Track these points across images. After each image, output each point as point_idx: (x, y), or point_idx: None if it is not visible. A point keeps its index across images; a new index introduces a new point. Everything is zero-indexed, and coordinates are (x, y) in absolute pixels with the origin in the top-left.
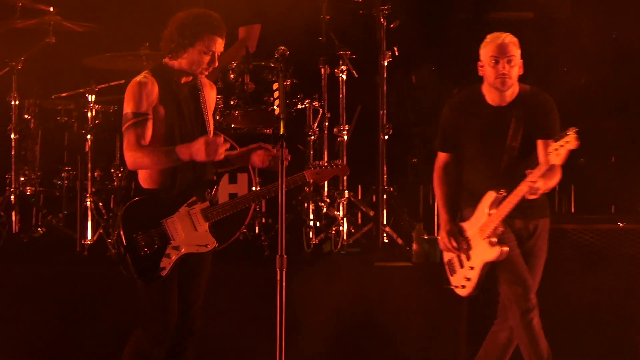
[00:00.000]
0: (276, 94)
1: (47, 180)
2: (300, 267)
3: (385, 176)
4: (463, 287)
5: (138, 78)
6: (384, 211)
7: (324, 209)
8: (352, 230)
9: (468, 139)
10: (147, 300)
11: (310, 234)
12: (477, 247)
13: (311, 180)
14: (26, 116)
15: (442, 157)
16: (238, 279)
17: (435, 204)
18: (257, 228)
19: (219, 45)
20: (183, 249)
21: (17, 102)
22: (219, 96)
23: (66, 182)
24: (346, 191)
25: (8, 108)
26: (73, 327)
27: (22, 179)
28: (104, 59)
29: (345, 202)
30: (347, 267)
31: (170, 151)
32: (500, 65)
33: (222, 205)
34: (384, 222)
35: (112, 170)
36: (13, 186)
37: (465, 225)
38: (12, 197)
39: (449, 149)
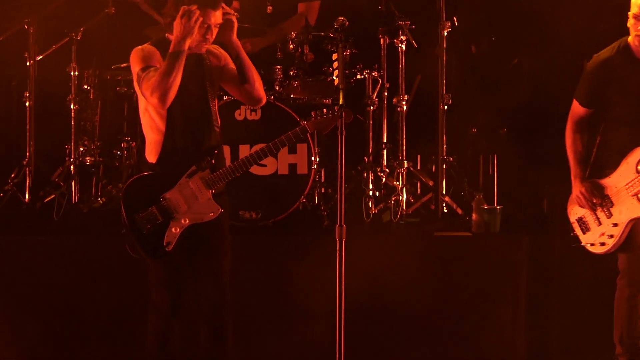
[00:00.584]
0: (335, 64)
1: (107, 151)
2: (360, 237)
3: (444, 146)
4: (602, 244)
5: (139, 47)
6: (444, 181)
7: (383, 179)
8: (412, 200)
9: (620, 96)
10: (154, 275)
11: (370, 203)
12: (622, 203)
13: (311, 130)
14: (86, 87)
15: (580, 111)
16: (298, 248)
17: (572, 158)
18: (316, 198)
19: (213, 17)
20: (186, 221)
21: (76, 73)
22: (278, 67)
23: (125, 152)
24: (405, 161)
25: (67, 79)
26: (134, 295)
27: (81, 149)
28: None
29: (404, 172)
30: (406, 237)
31: (174, 54)
32: None
33: (221, 171)
34: (444, 192)
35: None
36: (73, 156)
37: (604, 182)
38: (72, 167)
39: (593, 105)
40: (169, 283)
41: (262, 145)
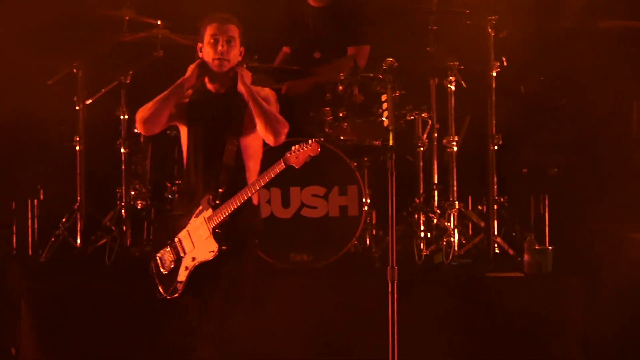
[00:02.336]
0: (385, 105)
1: (158, 194)
2: (412, 279)
3: (495, 186)
4: None
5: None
6: (495, 222)
7: (435, 220)
8: (463, 241)
9: None
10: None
11: (421, 245)
12: None
13: (286, 165)
14: (136, 130)
15: None
16: (350, 290)
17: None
18: (367, 240)
19: (221, 30)
20: (191, 260)
21: (126, 117)
22: (327, 108)
23: (177, 195)
24: (456, 202)
25: (117, 122)
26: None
27: (132, 193)
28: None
29: (455, 213)
30: (458, 278)
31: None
32: None
33: (220, 209)
34: (495, 232)
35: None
36: (124, 200)
37: None
38: (123, 211)
39: None
40: (187, 324)
41: (315, 187)
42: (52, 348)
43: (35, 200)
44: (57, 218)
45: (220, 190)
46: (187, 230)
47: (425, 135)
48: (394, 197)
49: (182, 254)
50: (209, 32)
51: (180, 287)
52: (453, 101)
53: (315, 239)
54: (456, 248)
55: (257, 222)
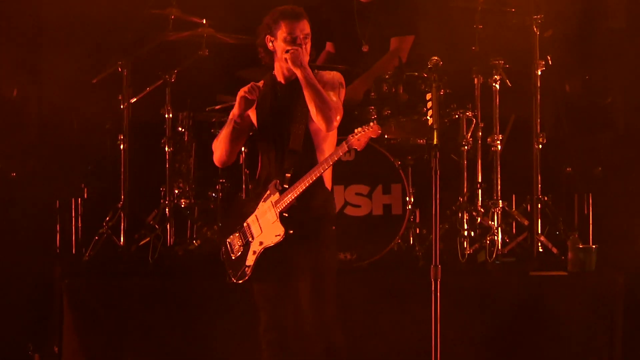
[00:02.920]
0: (429, 104)
1: (202, 193)
2: (455, 277)
3: (539, 185)
4: None
5: (246, 87)
6: (539, 220)
7: (478, 219)
8: (507, 240)
9: None
10: (254, 295)
11: (465, 243)
12: None
13: (348, 149)
14: (180, 129)
15: None
16: (393, 289)
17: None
18: (411, 238)
19: (299, 29)
20: (258, 245)
21: (170, 115)
22: (372, 107)
23: (220, 194)
24: (500, 201)
25: (162, 121)
26: (230, 339)
27: (176, 191)
28: (258, 72)
29: (499, 212)
30: (501, 277)
31: (225, 129)
32: None
33: (286, 193)
34: (539, 231)
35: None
36: (168, 199)
37: None
38: (167, 209)
39: None
40: (263, 305)
41: (359, 185)
42: (95, 347)
43: (79, 199)
44: (100, 217)
45: (287, 175)
46: (256, 215)
47: (469, 134)
48: (437, 196)
49: (250, 239)
50: (284, 29)
51: (248, 271)
52: (498, 100)
53: (358, 237)
54: (500, 247)
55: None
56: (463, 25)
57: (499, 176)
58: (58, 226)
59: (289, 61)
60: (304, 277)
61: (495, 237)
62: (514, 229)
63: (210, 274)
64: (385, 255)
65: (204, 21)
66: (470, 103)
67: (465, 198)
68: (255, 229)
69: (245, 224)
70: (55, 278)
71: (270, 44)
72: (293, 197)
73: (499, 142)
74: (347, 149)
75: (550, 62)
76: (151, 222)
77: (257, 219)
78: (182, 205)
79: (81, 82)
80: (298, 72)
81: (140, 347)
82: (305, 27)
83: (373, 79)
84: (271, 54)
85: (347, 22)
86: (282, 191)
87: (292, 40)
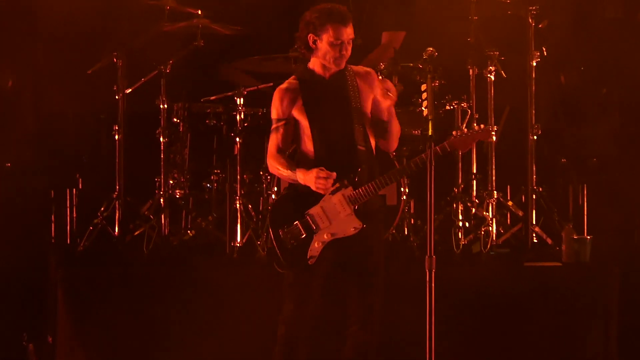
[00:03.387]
0: (424, 95)
1: (197, 183)
2: (450, 268)
3: (534, 176)
4: None
5: (283, 85)
6: (533, 211)
7: (473, 210)
8: (501, 231)
9: None
10: (289, 288)
11: (459, 234)
12: None
13: (450, 150)
14: (175, 120)
15: None
16: (387, 280)
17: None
18: (405, 229)
19: (346, 34)
20: (328, 236)
21: (165, 106)
22: None
23: (215, 185)
24: (495, 192)
25: (157, 112)
26: (224, 330)
27: (171, 182)
28: (253, 62)
29: (494, 203)
30: (496, 268)
31: (291, 172)
32: None
33: (364, 188)
34: (533, 222)
35: (261, 173)
36: (162, 189)
37: None
38: (162, 200)
39: None
40: (302, 297)
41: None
42: (89, 337)
43: (74, 190)
44: (95, 207)
45: (359, 169)
46: (321, 207)
47: (464, 125)
48: (432, 187)
49: (314, 229)
50: (331, 33)
51: (313, 261)
52: (493, 91)
53: None
54: (494, 237)
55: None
56: (458, 17)
57: (493, 167)
58: (53, 216)
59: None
60: (368, 274)
61: (490, 227)
62: (508, 220)
63: (204, 264)
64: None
65: (200, 12)
66: (465, 94)
67: (460, 189)
68: (321, 220)
69: (307, 215)
70: (50, 268)
71: (313, 43)
72: (371, 194)
73: (493, 133)
74: (447, 149)
75: (545, 53)
76: (146, 213)
77: (324, 211)
78: (177, 196)
79: (76, 72)
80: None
81: (134, 337)
82: (351, 31)
83: None
84: (311, 51)
85: None
86: (356, 186)
87: (340, 46)
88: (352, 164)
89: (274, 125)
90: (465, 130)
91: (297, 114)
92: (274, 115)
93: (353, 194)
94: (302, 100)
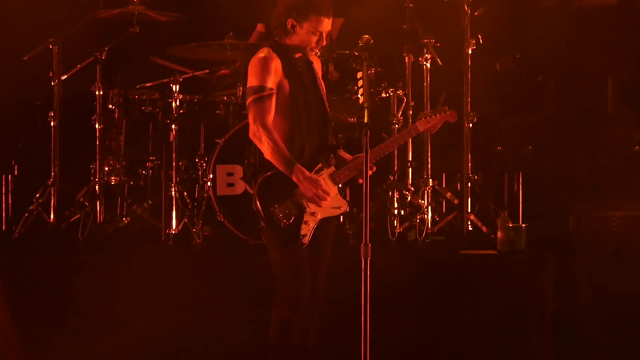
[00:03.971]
0: (360, 82)
1: (132, 170)
2: (385, 256)
3: (469, 164)
4: None
5: (261, 54)
6: (469, 199)
7: (409, 197)
8: (437, 219)
9: None
10: (282, 267)
11: (395, 222)
12: None
13: (422, 129)
14: (110, 106)
15: None
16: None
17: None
18: (341, 217)
19: (326, 25)
20: (319, 215)
21: (101, 92)
22: None
23: (151, 171)
24: (430, 179)
25: (92, 98)
26: (159, 317)
27: (106, 169)
28: (188, 49)
29: (429, 191)
30: (431, 256)
31: (289, 164)
32: None
33: (346, 167)
34: (469, 210)
35: (197, 160)
36: (98, 176)
37: None
38: (97, 187)
39: None
40: (299, 276)
41: None
42: (26, 324)
43: (10, 176)
44: (31, 194)
45: (339, 149)
46: None
47: (400, 113)
48: (367, 174)
49: (306, 208)
50: (313, 23)
51: (305, 240)
52: (428, 78)
53: None
54: (430, 225)
55: None
56: (394, 3)
57: (429, 155)
58: None
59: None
60: (330, 243)
61: (426, 215)
62: (444, 208)
63: (139, 252)
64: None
65: None
66: (401, 82)
67: (396, 177)
68: (307, 200)
69: (295, 194)
70: None
71: (291, 27)
72: (354, 172)
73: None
74: (420, 130)
75: (481, 40)
76: (81, 200)
77: None
78: (112, 183)
79: (12, 59)
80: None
81: (71, 324)
82: (330, 22)
83: None
84: (286, 33)
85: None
86: (338, 166)
87: (319, 36)
88: (329, 142)
89: (260, 94)
90: (433, 110)
91: (280, 86)
92: (257, 82)
93: (337, 173)
94: (284, 72)
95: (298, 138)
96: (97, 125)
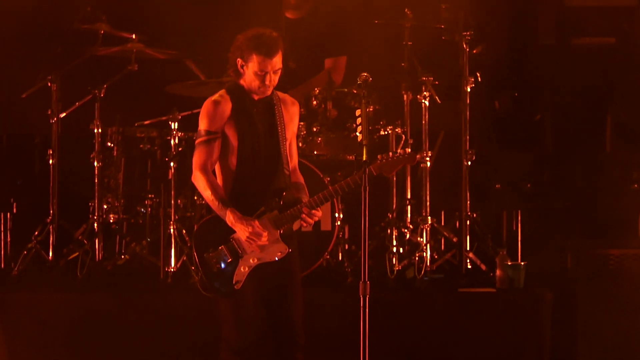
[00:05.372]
0: (359, 120)
1: (131, 208)
2: (384, 294)
3: (468, 202)
4: None
5: (213, 97)
6: (467, 237)
7: (407, 235)
8: (435, 257)
9: None
10: (225, 315)
11: (394, 260)
12: None
13: (376, 173)
14: (109, 144)
15: None
16: (322, 305)
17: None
18: (340, 254)
19: (272, 64)
20: (255, 260)
21: (100, 130)
22: (302, 123)
23: (149, 209)
24: (429, 217)
25: (91, 136)
26: (158, 355)
27: (105, 206)
28: (187, 87)
29: (428, 228)
30: (430, 294)
31: (222, 206)
32: None
33: (289, 212)
34: (467, 248)
35: (195, 198)
36: (96, 214)
37: None
38: (96, 224)
39: None
40: (240, 321)
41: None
42: None
43: (9, 214)
44: (30, 231)
45: (284, 193)
46: None
47: (398, 150)
48: (366, 212)
49: (242, 254)
50: (256, 63)
51: (239, 286)
52: (427, 116)
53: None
54: (428, 263)
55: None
56: (392, 42)
57: (427, 192)
58: None
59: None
60: (292, 284)
61: (424, 253)
62: (442, 246)
63: (138, 289)
64: (314, 271)
65: (134, 36)
66: (400, 119)
67: (394, 214)
68: (246, 244)
69: (232, 239)
70: None
71: (240, 67)
72: (297, 217)
73: (428, 158)
74: (373, 173)
75: (479, 78)
76: (80, 237)
77: None
78: (111, 221)
79: (11, 96)
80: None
81: None
82: (277, 62)
83: (303, 94)
84: (239, 74)
85: None
86: (282, 209)
87: (263, 76)
88: (277, 186)
89: (204, 138)
90: (390, 154)
91: (227, 128)
92: (203, 126)
93: (279, 217)
94: (232, 115)
95: (242, 180)
96: (95, 163)
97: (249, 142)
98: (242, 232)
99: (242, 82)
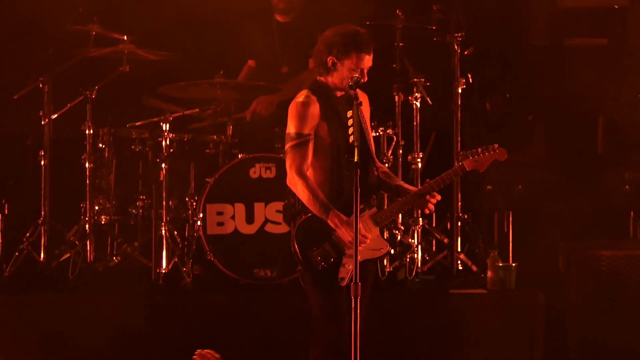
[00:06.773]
0: (350, 121)
1: (122, 209)
2: (375, 295)
3: (459, 203)
4: None
5: (300, 98)
6: (459, 238)
7: (399, 237)
8: (427, 258)
9: None
10: (324, 311)
11: (385, 261)
12: None
13: (470, 169)
14: (101, 145)
15: None
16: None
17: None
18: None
19: (367, 61)
20: (359, 257)
21: (91, 131)
22: None
23: (141, 210)
24: (420, 219)
25: (83, 137)
26: (150, 356)
27: (96, 208)
28: (179, 88)
29: (419, 230)
30: (421, 295)
31: (324, 210)
32: None
33: (389, 208)
34: (459, 249)
35: (187, 199)
36: (88, 215)
37: None
38: (87, 226)
39: None
40: (340, 317)
41: (279, 202)
42: None
43: (0, 215)
44: (21, 233)
45: (380, 191)
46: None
47: (390, 152)
48: (358, 213)
49: (346, 250)
50: (354, 60)
51: (344, 283)
52: (418, 117)
53: (279, 254)
54: (419, 264)
55: None
56: (384, 43)
57: None
58: None
59: None
60: (370, 283)
61: (416, 255)
62: (434, 247)
63: (129, 291)
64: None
65: (125, 37)
66: (391, 120)
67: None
68: (349, 242)
69: (334, 236)
70: None
71: (332, 65)
72: (394, 215)
73: (419, 159)
74: (467, 169)
75: (471, 79)
76: (71, 239)
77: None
78: (103, 222)
79: (2, 97)
80: None
81: None
82: (371, 58)
83: (287, 94)
84: (327, 71)
85: (267, 41)
86: (380, 207)
87: (359, 72)
88: (371, 182)
89: (297, 140)
90: (480, 149)
91: (319, 128)
92: (295, 129)
93: (379, 214)
94: (322, 114)
95: (338, 178)
96: (87, 164)
97: (340, 139)
98: (345, 235)
99: (329, 79)
